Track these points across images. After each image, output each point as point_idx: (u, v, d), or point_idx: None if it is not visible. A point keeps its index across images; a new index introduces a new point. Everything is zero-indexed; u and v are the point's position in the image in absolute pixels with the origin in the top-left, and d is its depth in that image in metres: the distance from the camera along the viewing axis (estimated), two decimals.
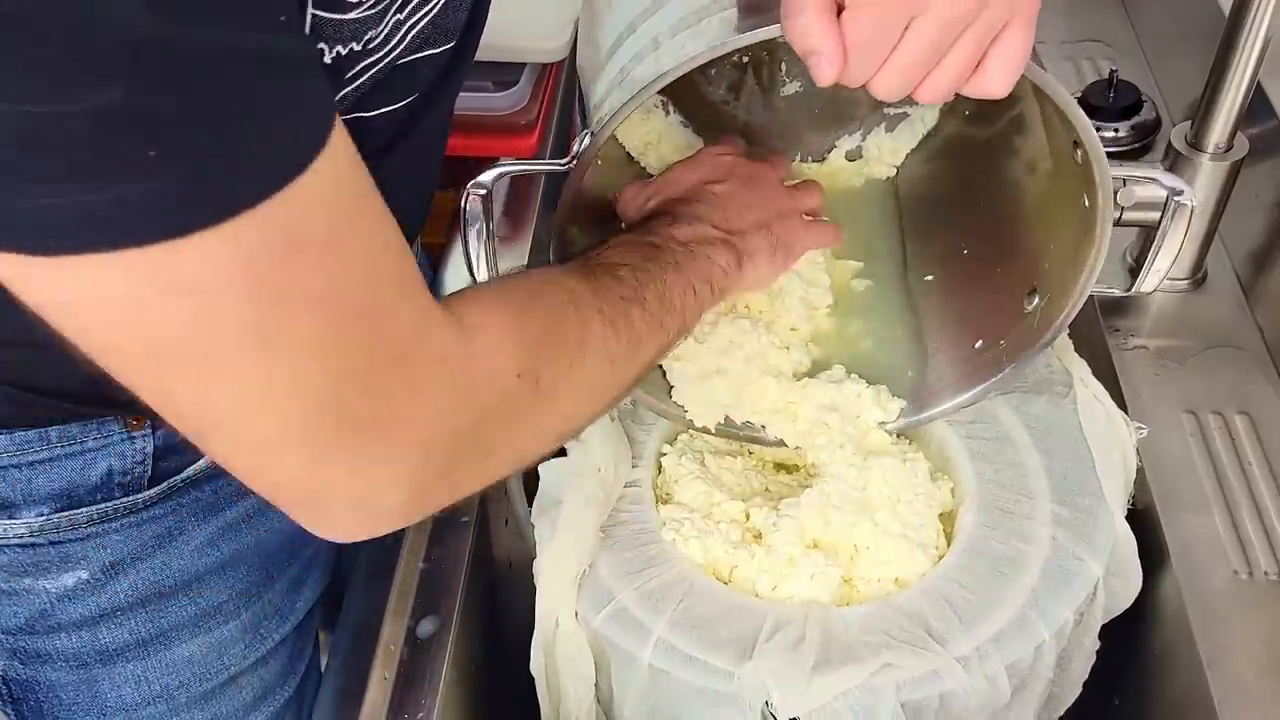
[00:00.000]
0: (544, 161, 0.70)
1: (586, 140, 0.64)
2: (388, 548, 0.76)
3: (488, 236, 0.70)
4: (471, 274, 0.72)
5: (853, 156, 0.86)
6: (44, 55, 0.34)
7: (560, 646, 0.68)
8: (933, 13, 0.51)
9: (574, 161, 0.64)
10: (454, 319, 0.50)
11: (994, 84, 0.54)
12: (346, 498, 0.49)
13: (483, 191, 0.68)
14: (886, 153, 0.86)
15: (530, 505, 0.73)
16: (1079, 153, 0.65)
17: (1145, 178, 0.73)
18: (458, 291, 0.56)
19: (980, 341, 0.77)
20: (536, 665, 0.69)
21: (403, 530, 0.77)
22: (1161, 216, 0.71)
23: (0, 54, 0.34)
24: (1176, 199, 0.70)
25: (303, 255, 0.41)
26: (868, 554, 0.69)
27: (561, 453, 0.74)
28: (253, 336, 0.41)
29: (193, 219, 0.38)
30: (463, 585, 0.74)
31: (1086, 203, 0.67)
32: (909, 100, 0.83)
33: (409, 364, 0.47)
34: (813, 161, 0.87)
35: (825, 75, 0.53)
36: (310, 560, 0.81)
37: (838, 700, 0.61)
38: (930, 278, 0.81)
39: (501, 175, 0.69)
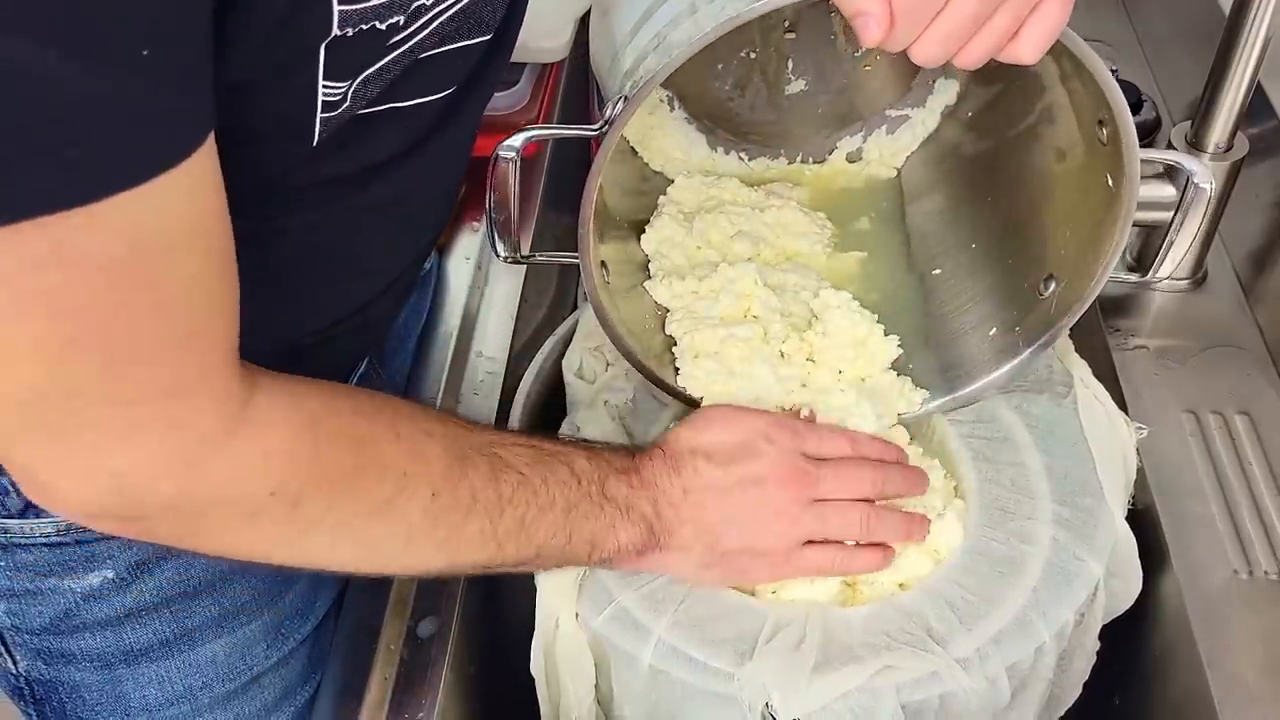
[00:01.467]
0: (574, 126, 0.68)
1: (620, 106, 0.62)
2: None
3: (515, 204, 0.68)
4: (493, 245, 0.71)
5: (854, 158, 0.86)
6: None
7: (560, 647, 0.67)
8: None
9: (605, 127, 0.62)
10: (237, 404, 0.50)
11: (1026, 52, 0.55)
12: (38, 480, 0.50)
13: (512, 154, 0.66)
14: (887, 154, 0.86)
15: None
16: (1104, 131, 0.65)
17: (1167, 161, 0.73)
18: (296, 382, 0.55)
19: (994, 330, 0.77)
20: (536, 666, 0.69)
21: None
22: (1180, 198, 0.71)
23: None
24: (1195, 181, 0.70)
25: (69, 272, 0.42)
26: None
27: None
28: None
29: None
30: (463, 585, 0.74)
31: (1110, 183, 0.66)
32: (911, 101, 0.83)
33: (140, 406, 0.47)
34: (814, 162, 0.87)
35: (872, 36, 0.53)
36: None
37: (838, 702, 0.61)
38: (938, 271, 0.81)
39: (530, 139, 0.67)
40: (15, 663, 0.72)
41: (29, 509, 0.65)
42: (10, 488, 0.65)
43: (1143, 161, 0.65)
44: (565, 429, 0.76)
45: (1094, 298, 0.71)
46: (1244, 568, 0.72)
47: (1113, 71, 0.99)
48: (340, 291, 0.67)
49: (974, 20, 0.53)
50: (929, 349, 0.79)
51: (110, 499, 0.50)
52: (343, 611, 0.76)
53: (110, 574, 0.68)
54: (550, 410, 0.81)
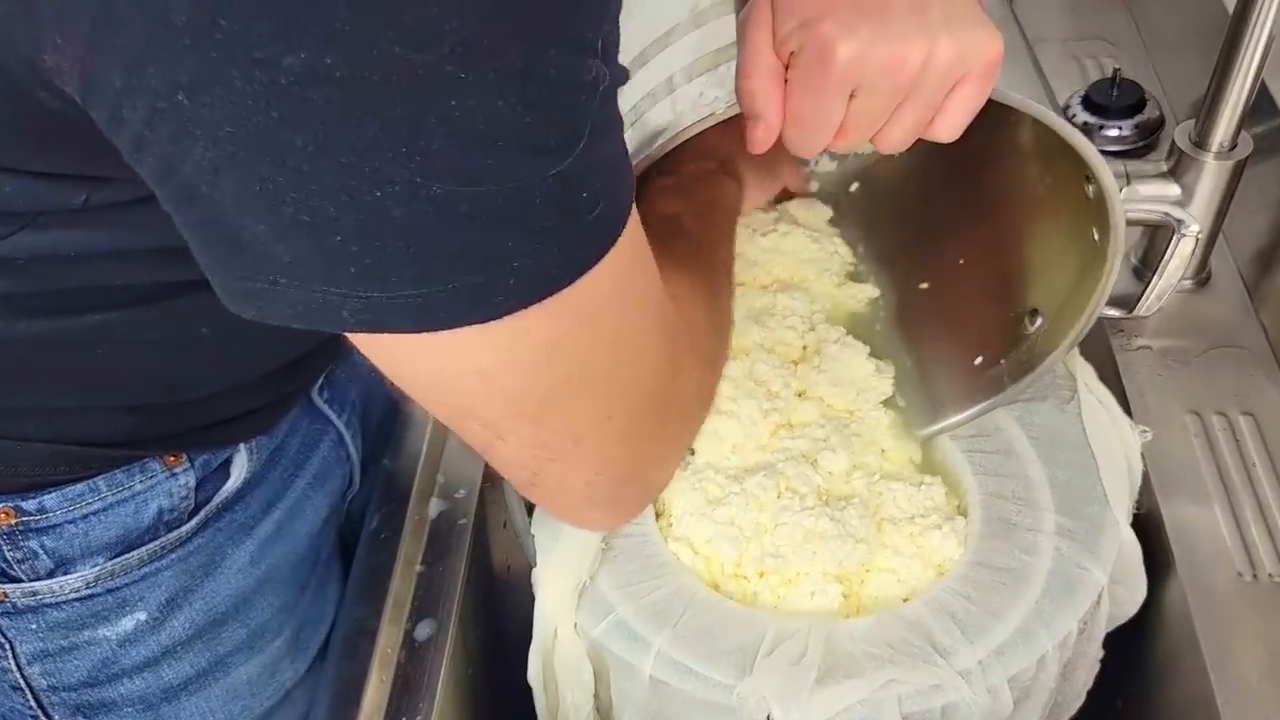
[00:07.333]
0: None
1: None
2: (385, 550, 0.76)
3: None
4: None
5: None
6: None
7: (559, 656, 0.67)
8: (869, 85, 0.51)
9: None
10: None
11: (944, 133, 0.55)
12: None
13: None
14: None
15: (529, 515, 0.72)
16: (1090, 188, 0.64)
17: (1156, 214, 0.72)
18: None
19: (981, 358, 0.76)
20: (534, 674, 0.69)
21: (400, 532, 0.76)
22: (1167, 246, 0.70)
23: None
24: (1183, 230, 0.69)
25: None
26: (879, 575, 0.69)
27: None
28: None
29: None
30: (460, 588, 0.74)
31: (1096, 237, 0.66)
32: None
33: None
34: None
35: (758, 141, 0.54)
36: (328, 560, 0.80)
37: (839, 715, 0.61)
38: (925, 286, 0.81)
39: None
40: None
41: (58, 569, 0.64)
42: (39, 550, 0.63)
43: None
44: None
45: (1075, 345, 0.71)
46: (1248, 570, 0.72)
47: (1116, 70, 1.00)
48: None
49: (874, 120, 0.53)
50: (917, 372, 0.78)
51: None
52: (340, 614, 0.76)
53: (143, 615, 0.67)
54: None
